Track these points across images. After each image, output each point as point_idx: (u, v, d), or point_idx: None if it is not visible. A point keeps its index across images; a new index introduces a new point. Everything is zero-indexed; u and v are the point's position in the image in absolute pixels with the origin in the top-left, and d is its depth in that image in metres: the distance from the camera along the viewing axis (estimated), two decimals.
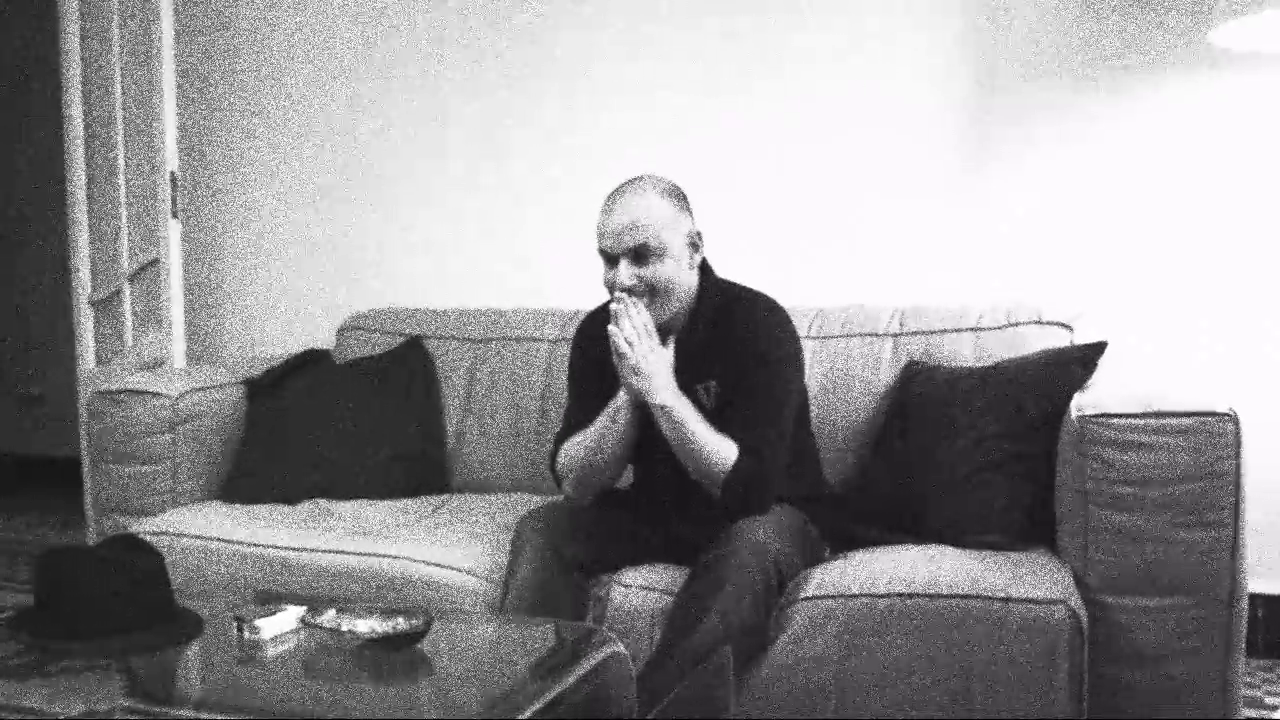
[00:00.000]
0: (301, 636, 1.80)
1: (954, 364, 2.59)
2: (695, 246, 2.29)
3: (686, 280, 2.28)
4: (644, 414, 2.22)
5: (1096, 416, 2.06)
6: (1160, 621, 2.04)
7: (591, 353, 2.36)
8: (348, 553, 2.42)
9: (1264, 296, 2.79)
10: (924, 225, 3.04)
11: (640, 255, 2.22)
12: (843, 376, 2.68)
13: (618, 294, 2.23)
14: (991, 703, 1.98)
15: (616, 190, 2.27)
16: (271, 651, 1.77)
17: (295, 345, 3.54)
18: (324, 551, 2.44)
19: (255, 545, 2.50)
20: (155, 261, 3.60)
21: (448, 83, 3.49)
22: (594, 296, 2.43)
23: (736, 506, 2.15)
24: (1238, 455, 2.00)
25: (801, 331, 2.43)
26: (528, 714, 1.53)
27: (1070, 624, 1.95)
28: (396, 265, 3.58)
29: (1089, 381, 2.30)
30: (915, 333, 2.69)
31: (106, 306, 3.85)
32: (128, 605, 1.76)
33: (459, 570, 2.32)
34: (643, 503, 2.39)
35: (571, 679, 1.68)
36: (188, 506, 2.78)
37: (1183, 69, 2.82)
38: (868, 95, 3.07)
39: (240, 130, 3.77)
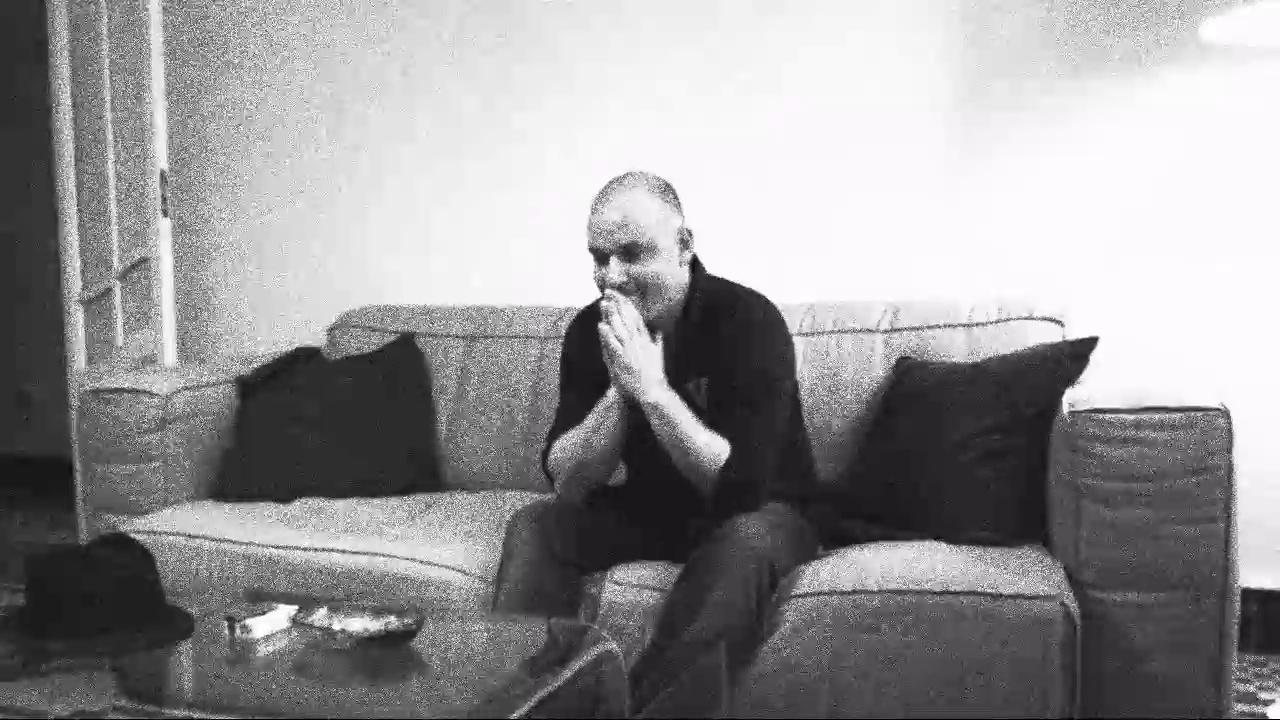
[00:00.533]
0: (293, 636, 1.80)
1: (946, 360, 2.59)
2: (685, 243, 2.29)
3: (677, 277, 2.28)
4: (635, 412, 2.22)
5: (1088, 412, 2.06)
6: (1153, 617, 2.04)
7: (583, 350, 2.35)
8: (339, 551, 2.42)
9: (1256, 290, 2.79)
10: (916, 221, 3.03)
11: (630, 252, 2.21)
12: (834, 373, 2.68)
13: (608, 291, 2.22)
14: (984, 699, 1.98)
15: (606, 187, 2.27)
16: (263, 651, 1.77)
17: (286, 343, 3.52)
18: (315, 550, 2.43)
19: (246, 544, 2.49)
20: (145, 260, 3.58)
21: (437, 81, 3.48)
22: (585, 294, 2.42)
23: (728, 504, 2.15)
24: (1230, 450, 1.99)
25: (793, 328, 2.43)
26: (520, 712, 1.53)
27: (1063, 620, 1.95)
28: (387, 263, 3.57)
29: (1081, 377, 2.30)
30: (907, 328, 2.68)
31: (97, 305, 3.84)
32: (118, 605, 1.76)
33: (451, 568, 2.31)
34: (635, 500, 2.39)
35: (563, 677, 1.69)
36: (179, 505, 2.77)
37: (1172, 63, 2.82)
38: (859, 92, 3.06)
39: (230, 128, 3.76)
